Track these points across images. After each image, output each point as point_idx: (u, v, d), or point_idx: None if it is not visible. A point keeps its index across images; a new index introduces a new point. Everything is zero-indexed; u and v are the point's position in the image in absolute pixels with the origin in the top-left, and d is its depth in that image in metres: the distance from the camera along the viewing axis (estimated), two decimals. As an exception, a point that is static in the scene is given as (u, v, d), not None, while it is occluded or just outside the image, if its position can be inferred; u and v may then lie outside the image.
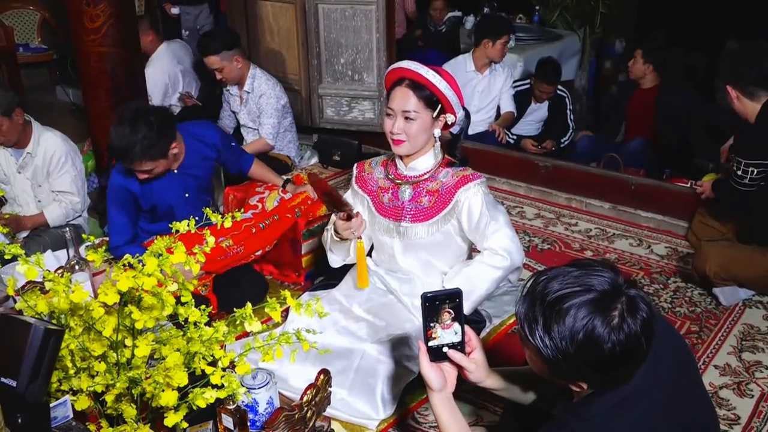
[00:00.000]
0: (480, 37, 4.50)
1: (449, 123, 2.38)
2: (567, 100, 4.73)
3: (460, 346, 1.62)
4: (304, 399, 1.77)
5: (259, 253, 3.00)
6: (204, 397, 1.52)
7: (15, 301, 1.94)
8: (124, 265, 1.57)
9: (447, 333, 1.59)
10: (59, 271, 2.12)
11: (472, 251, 2.59)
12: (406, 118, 2.31)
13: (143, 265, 1.51)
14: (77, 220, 3.49)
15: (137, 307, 1.54)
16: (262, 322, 1.60)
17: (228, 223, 1.70)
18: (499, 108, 4.69)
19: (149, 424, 1.60)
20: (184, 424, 1.59)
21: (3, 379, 1.48)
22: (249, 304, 1.59)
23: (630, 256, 3.45)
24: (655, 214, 3.71)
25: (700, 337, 2.81)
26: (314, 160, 4.50)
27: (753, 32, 3.99)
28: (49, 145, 3.33)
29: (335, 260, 2.62)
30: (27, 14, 6.28)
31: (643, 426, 1.41)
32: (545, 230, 3.72)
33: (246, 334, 2.10)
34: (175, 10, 5.62)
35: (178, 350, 1.56)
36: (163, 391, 1.53)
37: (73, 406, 1.64)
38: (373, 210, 2.52)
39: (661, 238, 3.59)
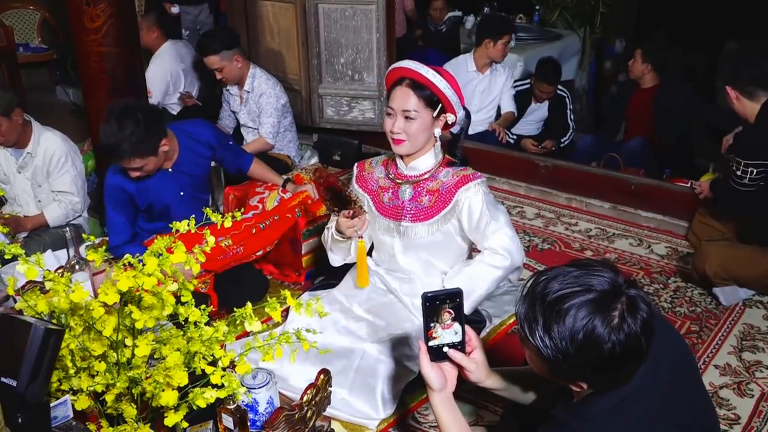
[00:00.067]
0: (481, 37, 4.49)
1: (449, 123, 2.38)
2: (567, 99, 4.73)
3: (460, 346, 1.62)
4: (304, 399, 1.77)
5: (259, 253, 3.01)
6: (204, 397, 1.52)
7: (15, 301, 1.94)
8: (124, 265, 1.57)
9: (447, 333, 1.59)
10: (59, 271, 2.12)
11: (473, 251, 2.59)
12: (407, 117, 2.31)
13: (143, 265, 1.51)
14: (77, 220, 3.49)
15: (137, 306, 1.54)
16: (262, 322, 1.60)
17: (228, 223, 1.70)
18: (499, 108, 4.69)
19: (149, 424, 1.60)
20: (184, 424, 1.59)
21: (3, 379, 1.48)
22: (249, 304, 1.59)
23: (630, 255, 3.45)
24: (655, 213, 3.71)
25: (700, 336, 2.81)
26: (314, 159, 4.49)
27: (753, 32, 3.99)
28: (49, 145, 3.33)
29: (336, 259, 2.62)
30: (27, 14, 6.29)
31: (643, 426, 1.41)
32: (545, 230, 3.72)
33: (246, 334, 2.10)
34: (174, 9, 5.61)
35: (178, 350, 1.56)
36: (163, 390, 1.53)
37: (73, 405, 1.64)
38: (373, 209, 2.52)
39: (661, 238, 3.59)
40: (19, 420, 1.49)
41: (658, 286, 3.17)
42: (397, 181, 2.47)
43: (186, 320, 1.59)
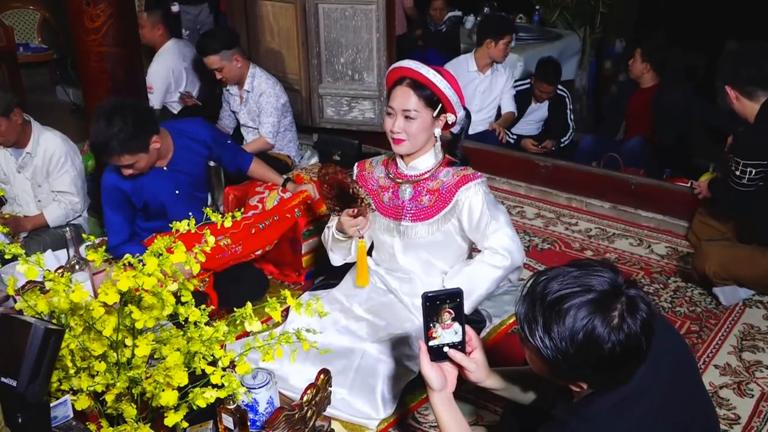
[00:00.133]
0: (482, 37, 4.49)
1: (449, 123, 2.38)
2: (567, 99, 4.73)
3: (460, 346, 1.62)
4: (305, 399, 1.77)
5: (258, 252, 3.00)
6: (204, 397, 1.52)
7: (15, 301, 1.94)
8: (124, 265, 1.57)
9: (447, 333, 1.59)
10: (59, 271, 2.12)
11: (473, 251, 2.59)
12: (407, 117, 2.31)
13: (143, 265, 1.51)
14: (77, 219, 3.49)
15: (137, 306, 1.54)
16: (262, 322, 1.60)
17: (228, 223, 1.70)
18: (499, 108, 4.69)
19: (149, 424, 1.60)
20: (184, 424, 1.59)
21: (3, 379, 1.48)
22: (249, 304, 1.59)
23: (630, 255, 3.45)
24: (655, 213, 3.71)
25: (700, 336, 2.81)
26: (314, 159, 4.49)
27: (753, 32, 3.99)
28: (49, 145, 3.33)
29: (336, 259, 2.62)
30: (27, 14, 6.28)
31: (643, 426, 1.41)
32: (545, 230, 3.72)
33: (246, 334, 2.10)
34: (174, 8, 5.60)
35: (178, 350, 1.56)
36: (163, 390, 1.53)
37: (73, 405, 1.64)
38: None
39: (661, 238, 3.59)
40: (19, 420, 1.49)
41: (658, 286, 3.17)
42: (398, 180, 2.47)
43: (186, 320, 1.59)
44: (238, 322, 1.59)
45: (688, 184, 3.64)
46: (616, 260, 3.40)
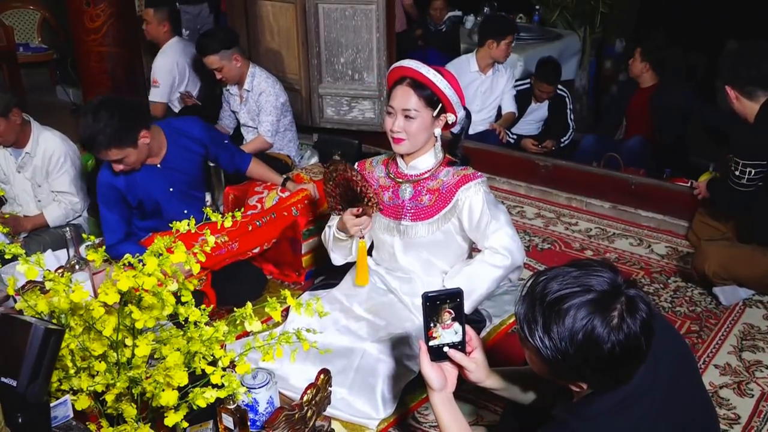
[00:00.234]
0: (484, 38, 4.49)
1: (449, 123, 2.38)
2: (567, 99, 4.73)
3: (460, 346, 1.62)
4: (305, 398, 1.77)
5: (256, 250, 3.00)
6: (204, 397, 1.53)
7: (15, 301, 1.94)
8: (124, 265, 1.57)
9: (447, 332, 1.59)
10: (59, 271, 2.12)
11: (473, 250, 2.59)
12: (406, 116, 2.31)
13: (143, 265, 1.51)
14: (77, 219, 3.49)
15: (137, 306, 1.54)
16: (262, 322, 1.60)
17: (228, 223, 1.70)
18: (500, 108, 4.69)
19: (149, 424, 1.60)
20: (185, 424, 1.59)
21: (3, 379, 1.48)
22: (249, 304, 1.59)
23: (630, 255, 3.45)
24: (655, 213, 3.71)
25: (700, 336, 2.81)
26: (314, 159, 4.49)
27: (753, 32, 3.99)
28: (48, 144, 3.33)
29: (337, 259, 2.62)
30: (27, 14, 6.28)
31: (643, 426, 1.41)
32: (545, 230, 3.72)
33: (246, 334, 2.10)
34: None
35: (178, 350, 1.56)
36: (163, 390, 1.53)
37: (73, 405, 1.64)
38: (373, 209, 2.52)
39: (661, 238, 3.59)
40: (19, 420, 1.49)
41: (658, 285, 3.17)
42: (398, 180, 2.48)
43: (186, 320, 1.59)
44: (238, 322, 1.59)
45: (688, 184, 3.65)
46: (616, 260, 3.40)
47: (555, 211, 3.91)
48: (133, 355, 1.58)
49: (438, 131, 2.38)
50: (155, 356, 1.60)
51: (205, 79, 4.71)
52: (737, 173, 2.90)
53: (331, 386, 1.87)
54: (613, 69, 6.00)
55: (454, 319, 1.59)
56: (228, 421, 1.72)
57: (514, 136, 4.66)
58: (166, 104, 4.50)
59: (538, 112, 4.75)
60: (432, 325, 1.58)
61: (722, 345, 2.76)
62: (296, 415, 1.74)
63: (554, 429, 1.48)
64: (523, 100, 4.72)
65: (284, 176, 3.32)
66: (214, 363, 1.56)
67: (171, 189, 2.95)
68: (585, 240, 3.61)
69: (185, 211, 2.92)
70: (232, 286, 2.88)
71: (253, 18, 4.62)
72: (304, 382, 2.01)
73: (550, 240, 3.61)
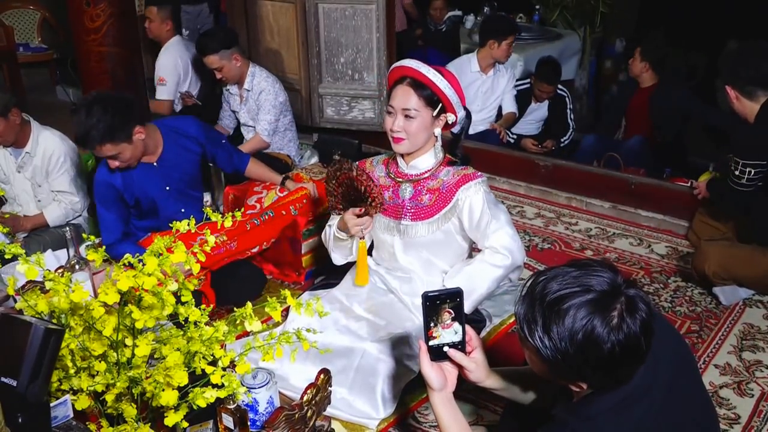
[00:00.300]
0: (485, 38, 4.49)
1: (449, 122, 2.38)
2: (567, 99, 4.73)
3: (460, 346, 1.62)
4: (305, 398, 1.77)
5: (254, 249, 2.99)
6: (204, 397, 1.53)
7: (15, 301, 1.94)
8: (124, 265, 1.57)
9: (447, 332, 1.59)
10: (59, 271, 2.12)
11: (473, 250, 2.59)
12: (406, 116, 2.31)
13: (143, 265, 1.51)
14: (77, 219, 3.49)
15: (137, 306, 1.54)
16: (262, 322, 1.60)
17: (228, 223, 1.70)
18: (500, 108, 4.69)
19: (149, 424, 1.61)
20: (185, 424, 1.60)
21: (3, 379, 1.48)
22: (249, 304, 1.59)
23: (630, 255, 3.45)
24: (655, 213, 3.71)
25: (700, 336, 2.81)
26: (314, 159, 4.49)
27: (753, 32, 3.99)
28: (48, 144, 3.33)
29: (337, 258, 2.62)
30: (27, 14, 6.28)
31: (643, 426, 1.41)
32: (545, 229, 3.72)
33: (246, 334, 2.10)
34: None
35: (178, 350, 1.56)
36: (163, 390, 1.53)
37: (73, 405, 1.64)
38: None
39: (661, 238, 3.59)
40: (19, 420, 1.49)
41: (658, 285, 3.17)
42: (398, 179, 2.48)
43: (186, 320, 1.59)
44: (238, 321, 1.60)
45: (688, 184, 3.64)
46: (616, 260, 3.40)
47: (555, 211, 3.91)
48: (133, 355, 1.58)
49: (438, 131, 2.39)
50: (155, 356, 1.61)
51: (205, 79, 4.71)
52: (737, 173, 2.90)
53: (331, 386, 1.87)
54: (613, 69, 6.00)
55: (454, 319, 1.59)
56: (228, 421, 1.72)
57: (514, 136, 4.66)
58: (172, 102, 4.50)
59: (538, 111, 4.76)
60: (432, 324, 1.58)
61: (722, 345, 2.76)
62: (296, 415, 1.74)
63: (554, 429, 1.48)
64: (523, 100, 4.72)
65: (283, 176, 3.32)
66: (214, 363, 1.56)
67: (168, 188, 2.95)
68: (585, 240, 3.61)
69: (182, 210, 2.92)
70: (232, 286, 2.88)
71: (253, 18, 4.62)
72: (304, 381, 2.01)
73: (550, 240, 3.61)
